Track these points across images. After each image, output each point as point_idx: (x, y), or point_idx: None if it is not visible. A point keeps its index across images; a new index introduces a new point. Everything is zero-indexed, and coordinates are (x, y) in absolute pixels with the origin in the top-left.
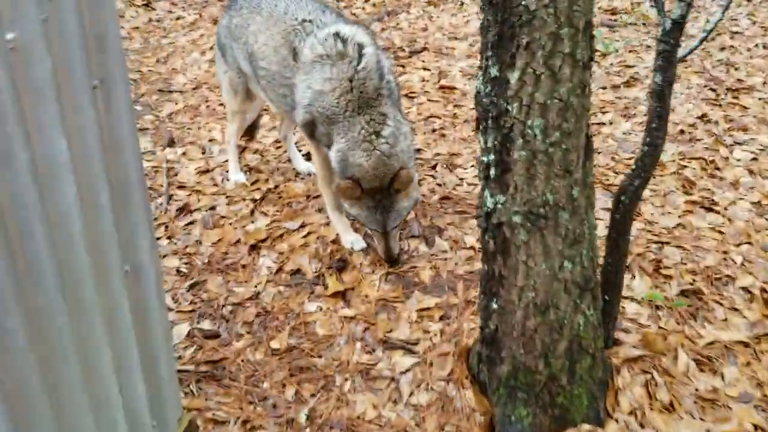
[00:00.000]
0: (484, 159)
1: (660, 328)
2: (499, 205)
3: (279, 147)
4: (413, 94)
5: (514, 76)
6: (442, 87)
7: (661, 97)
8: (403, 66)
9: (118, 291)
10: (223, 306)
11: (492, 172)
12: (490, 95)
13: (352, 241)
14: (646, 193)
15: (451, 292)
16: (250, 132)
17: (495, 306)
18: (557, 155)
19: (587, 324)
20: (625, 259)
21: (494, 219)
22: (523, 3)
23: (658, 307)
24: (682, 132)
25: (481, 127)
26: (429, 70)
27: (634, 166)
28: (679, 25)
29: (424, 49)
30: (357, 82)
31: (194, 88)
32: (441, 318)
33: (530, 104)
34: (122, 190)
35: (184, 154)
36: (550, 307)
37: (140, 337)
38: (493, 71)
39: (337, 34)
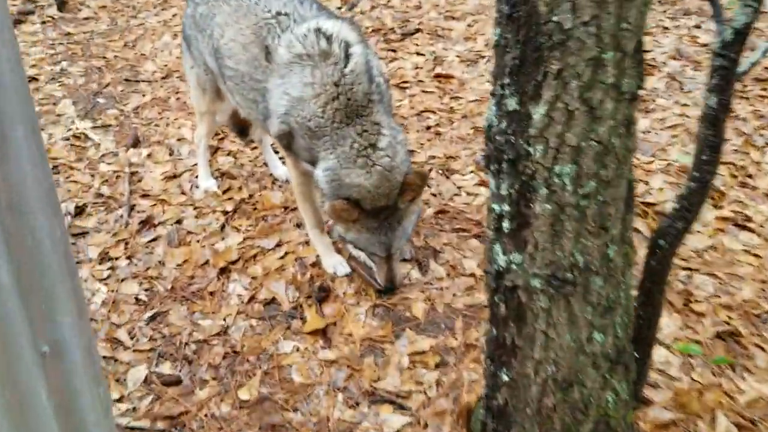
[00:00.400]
0: (496, 208)
1: (693, 380)
2: (514, 266)
3: (255, 148)
4: (405, 84)
5: (538, 112)
6: (437, 76)
7: (715, 123)
8: (394, 50)
9: (31, 376)
10: (186, 344)
11: (505, 225)
12: (505, 133)
13: (335, 264)
14: (668, 206)
15: (449, 331)
16: (242, 131)
17: (505, 378)
18: (591, 209)
19: (617, 402)
20: (660, 312)
21: (507, 281)
22: (554, 19)
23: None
24: None
25: (492, 168)
26: (423, 55)
27: (676, 205)
28: (742, 36)
29: (418, 30)
30: (344, 87)
31: (164, 77)
32: (437, 365)
33: (559, 147)
34: (31, 260)
35: (149, 156)
36: (574, 383)
37: (65, 427)
38: (511, 103)
39: (318, 30)
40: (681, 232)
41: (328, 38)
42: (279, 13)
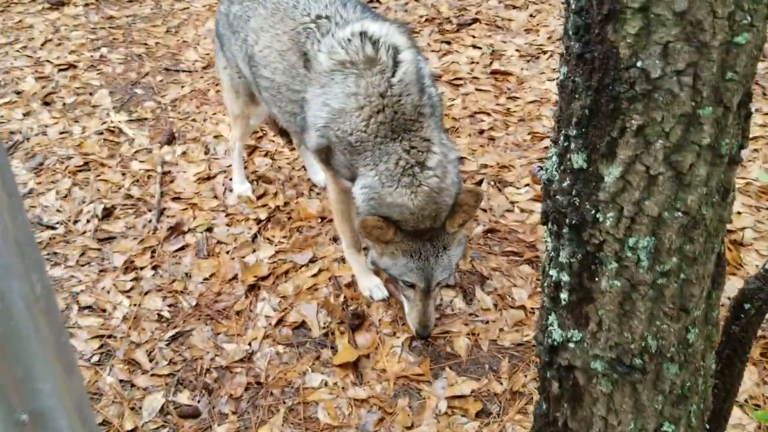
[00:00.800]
0: (553, 275)
1: None
2: (572, 344)
3: (294, 148)
4: (459, 81)
5: (612, 173)
6: (494, 72)
7: None
8: (448, 43)
9: None
10: (208, 370)
11: (564, 296)
12: (569, 193)
13: (371, 288)
14: (748, 234)
15: (493, 374)
16: (282, 131)
17: None
18: (671, 289)
19: None
20: (740, 383)
21: (562, 359)
22: (638, 65)
23: None
24: None
25: (549, 228)
26: (479, 48)
27: None
28: None
29: (475, 20)
30: (391, 98)
31: (204, 68)
32: (478, 414)
33: (635, 216)
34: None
35: (184, 153)
36: None
37: None
38: (578, 160)
39: (364, 34)
40: None
41: (375, 43)
42: (319, 17)
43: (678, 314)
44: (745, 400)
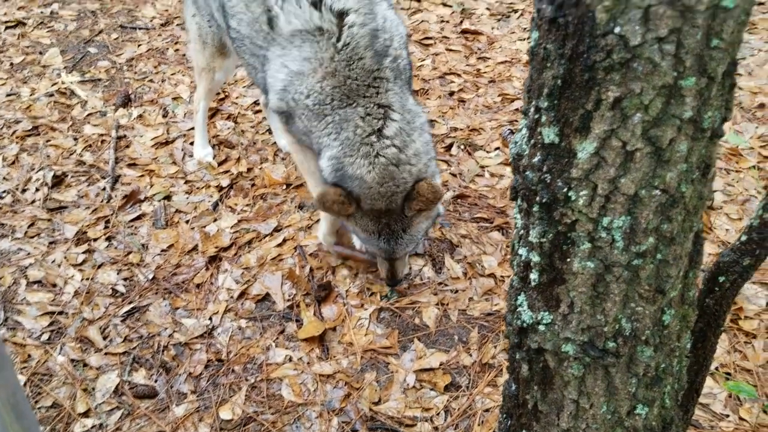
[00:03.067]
0: (522, 254)
1: (741, 419)
2: (542, 326)
3: (258, 111)
4: (429, 41)
5: (585, 149)
6: (464, 31)
7: None
8: (418, 0)
9: None
10: (165, 348)
11: (534, 276)
12: (539, 169)
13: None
14: (718, 197)
15: (462, 345)
16: None
17: None
18: (646, 270)
19: None
20: (712, 358)
21: (532, 341)
22: (616, 31)
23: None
24: (762, 106)
25: (519, 205)
26: (450, 6)
27: (744, 237)
28: None
29: None
30: (340, 63)
31: (163, 25)
32: (447, 387)
33: (610, 194)
34: None
35: (140, 117)
36: None
37: None
38: (549, 134)
39: (315, 4)
40: (747, 269)
41: (320, 10)
42: None
43: (654, 296)
44: (716, 368)
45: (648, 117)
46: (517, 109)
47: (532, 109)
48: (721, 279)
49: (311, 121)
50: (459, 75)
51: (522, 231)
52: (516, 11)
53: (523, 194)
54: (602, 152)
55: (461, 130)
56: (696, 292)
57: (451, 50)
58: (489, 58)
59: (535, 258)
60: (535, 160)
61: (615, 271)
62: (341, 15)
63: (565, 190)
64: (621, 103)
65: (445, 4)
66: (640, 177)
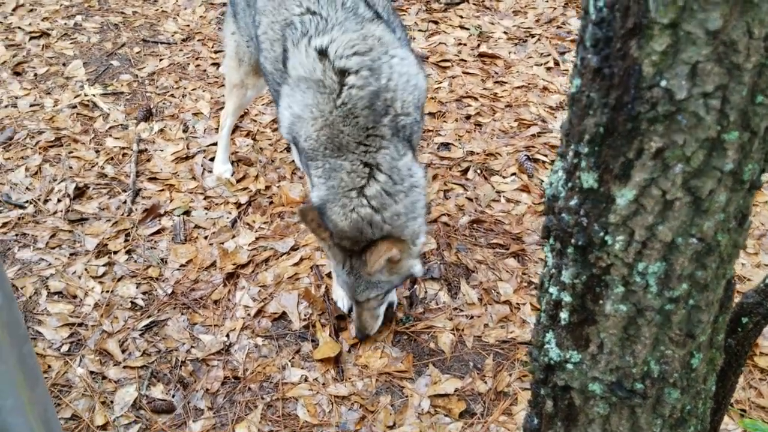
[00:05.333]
0: (553, 292)
1: None
2: (570, 365)
3: (276, 129)
4: (446, 63)
5: (625, 196)
6: (482, 55)
7: None
8: (436, 22)
9: None
10: (183, 363)
11: (564, 315)
12: (576, 213)
13: (339, 298)
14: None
15: (477, 372)
16: None
17: None
18: (678, 315)
19: None
20: (731, 396)
21: (559, 378)
22: (662, 84)
23: None
24: None
25: (551, 245)
26: (467, 29)
27: None
28: None
29: (464, 0)
30: (337, 117)
31: (184, 40)
32: (461, 414)
33: (647, 241)
34: None
35: (161, 131)
36: None
37: None
38: (588, 179)
39: (322, 54)
40: None
41: (325, 65)
42: (308, 11)
43: (684, 340)
44: (731, 404)
45: (689, 168)
46: (533, 135)
47: (571, 153)
48: (744, 320)
49: (307, 159)
50: (476, 98)
51: (553, 270)
52: (533, 36)
53: (557, 235)
54: (641, 200)
55: (477, 154)
56: (724, 335)
57: (468, 73)
58: (506, 83)
59: (567, 298)
60: (572, 203)
61: (647, 314)
62: (342, 73)
63: (602, 234)
64: (663, 154)
65: (462, 27)
66: (678, 225)
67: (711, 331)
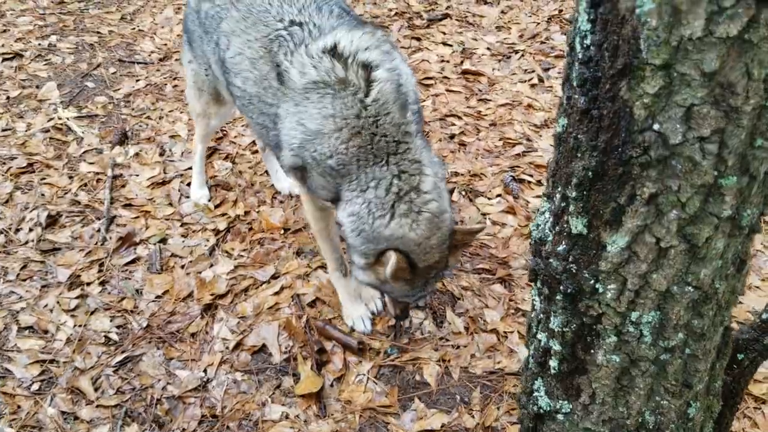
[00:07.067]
0: (541, 339)
1: None
2: (560, 415)
3: (256, 151)
4: (429, 81)
5: (616, 243)
6: (465, 72)
7: None
8: (418, 39)
9: None
10: (159, 401)
11: (553, 364)
12: (564, 258)
13: (355, 318)
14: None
15: (464, 406)
16: None
17: None
18: (674, 365)
19: None
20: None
21: (549, 429)
22: (655, 128)
23: None
24: None
25: (538, 290)
26: (450, 46)
27: (765, 315)
28: None
29: (446, 15)
30: (367, 119)
31: (161, 59)
32: None
33: (640, 290)
34: None
35: (137, 155)
36: None
37: None
38: (577, 225)
39: (333, 51)
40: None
41: (345, 61)
42: (293, 23)
43: (681, 390)
44: None
45: (685, 214)
46: (518, 154)
47: (558, 196)
48: (740, 357)
49: (334, 179)
50: (460, 117)
51: (541, 315)
52: (517, 52)
53: (544, 280)
54: (634, 247)
55: (462, 175)
56: (721, 382)
57: (451, 91)
58: (490, 100)
59: (556, 347)
60: (560, 248)
61: (641, 365)
62: (366, 67)
63: (592, 282)
64: (656, 200)
65: (445, 43)
66: (673, 273)
67: (708, 378)
